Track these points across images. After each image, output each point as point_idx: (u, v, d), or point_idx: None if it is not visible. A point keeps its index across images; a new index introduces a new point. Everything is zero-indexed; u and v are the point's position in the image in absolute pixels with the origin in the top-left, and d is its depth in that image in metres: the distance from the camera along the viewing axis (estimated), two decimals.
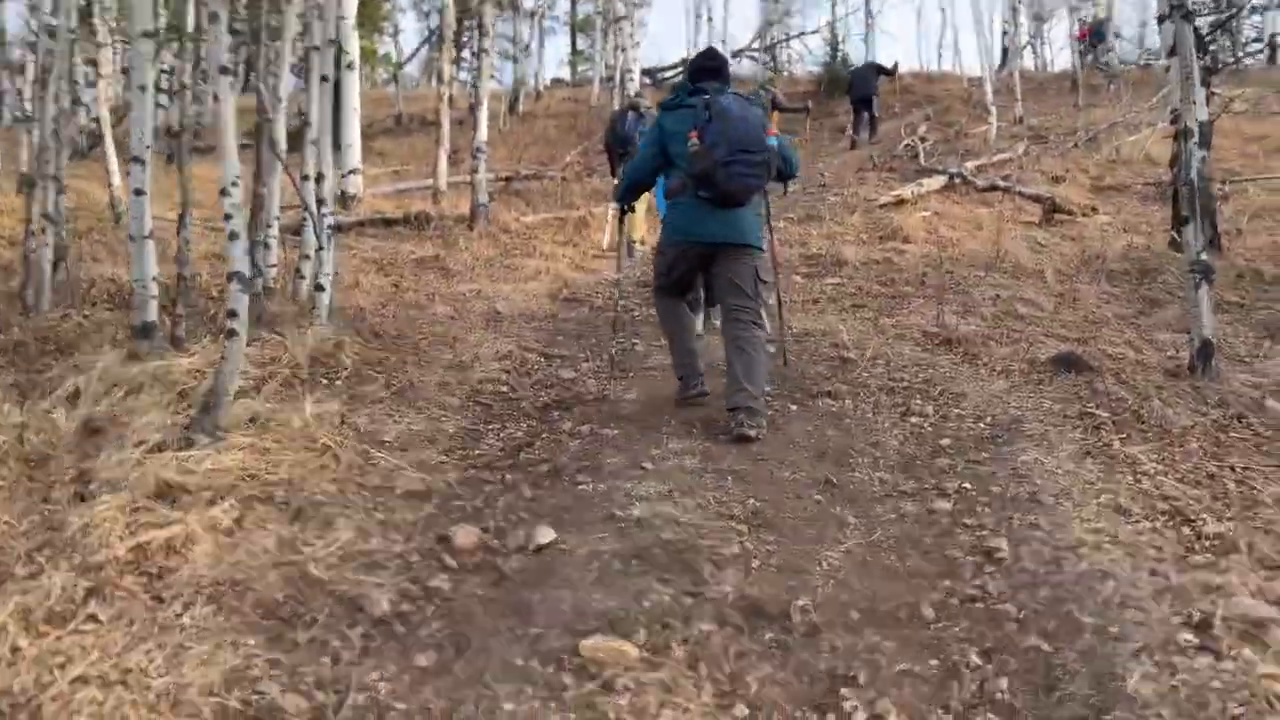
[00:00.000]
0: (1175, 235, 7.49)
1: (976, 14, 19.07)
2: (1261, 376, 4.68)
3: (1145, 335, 5.73)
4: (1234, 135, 13.10)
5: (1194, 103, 4.60)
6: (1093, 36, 22.06)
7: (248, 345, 5.10)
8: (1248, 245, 7.72)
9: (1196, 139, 4.58)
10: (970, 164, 12.37)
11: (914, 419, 4.37)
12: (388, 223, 10.49)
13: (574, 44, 39.42)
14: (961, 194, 11.22)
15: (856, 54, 29.60)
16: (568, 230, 10.44)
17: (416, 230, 10.39)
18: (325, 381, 4.91)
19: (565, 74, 37.17)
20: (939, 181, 11.39)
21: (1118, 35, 22.61)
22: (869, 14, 30.91)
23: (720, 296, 4.58)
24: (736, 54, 26.97)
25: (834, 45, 26.51)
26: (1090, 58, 21.80)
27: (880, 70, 16.94)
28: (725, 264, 4.38)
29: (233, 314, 3.77)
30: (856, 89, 16.57)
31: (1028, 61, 26.77)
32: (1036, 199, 9.85)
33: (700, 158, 4.16)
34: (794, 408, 4.58)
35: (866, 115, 16.33)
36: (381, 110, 25.34)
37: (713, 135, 4.14)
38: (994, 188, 10.76)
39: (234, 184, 3.82)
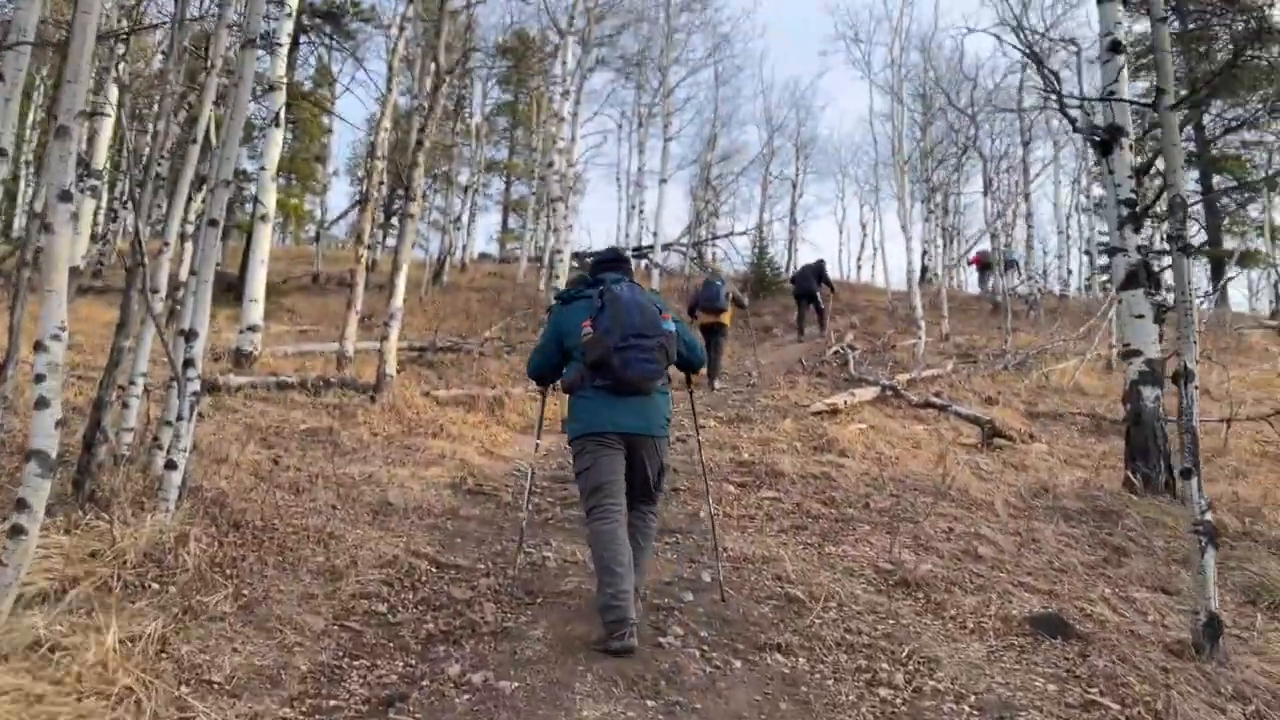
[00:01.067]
0: (1130, 475, 7.06)
1: (906, 232, 19.62)
2: (1274, 663, 4.03)
3: (1120, 591, 5.09)
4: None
5: (1193, 341, 4.12)
6: (981, 266, 23.10)
7: (65, 533, 4.11)
8: (1210, 492, 7.29)
9: (1195, 382, 4.07)
10: (901, 377, 12.11)
11: (883, 691, 3.56)
12: (282, 386, 9.54)
13: (505, 221, 39.94)
14: (894, 407, 10.84)
15: (781, 260, 30.59)
16: (480, 410, 9.64)
17: (313, 396, 9.47)
18: (155, 587, 3.91)
19: (494, 249, 37.41)
20: (871, 392, 11.03)
21: (1011, 264, 23.63)
22: (793, 222, 32.14)
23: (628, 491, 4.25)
24: (666, 247, 27.36)
25: (761, 248, 27.15)
26: (989, 285, 22.84)
27: (820, 275, 17.86)
28: (634, 456, 4.19)
29: (22, 505, 2.83)
30: (800, 285, 17.72)
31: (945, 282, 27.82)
32: (975, 421, 9.47)
33: (593, 345, 4.08)
34: (738, 664, 3.74)
35: (812, 308, 17.41)
36: (300, 267, 24.73)
37: (605, 322, 4.10)
38: (929, 404, 10.41)
39: (55, 336, 2.96)
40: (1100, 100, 7.57)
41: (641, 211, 27.87)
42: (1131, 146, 7.63)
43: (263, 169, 10.78)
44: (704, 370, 10.76)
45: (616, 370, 4.07)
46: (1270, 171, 23.58)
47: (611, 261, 4.56)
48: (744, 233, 28.60)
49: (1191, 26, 18.84)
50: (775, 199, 33.02)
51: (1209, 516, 4.02)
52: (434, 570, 4.86)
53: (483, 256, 32.46)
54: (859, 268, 34.51)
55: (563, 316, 4.35)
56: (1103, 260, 33.49)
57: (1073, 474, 8.20)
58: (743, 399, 11.04)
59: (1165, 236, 4.31)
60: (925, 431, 9.59)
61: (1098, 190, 32.58)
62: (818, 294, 17.30)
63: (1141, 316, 7.31)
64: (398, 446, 7.86)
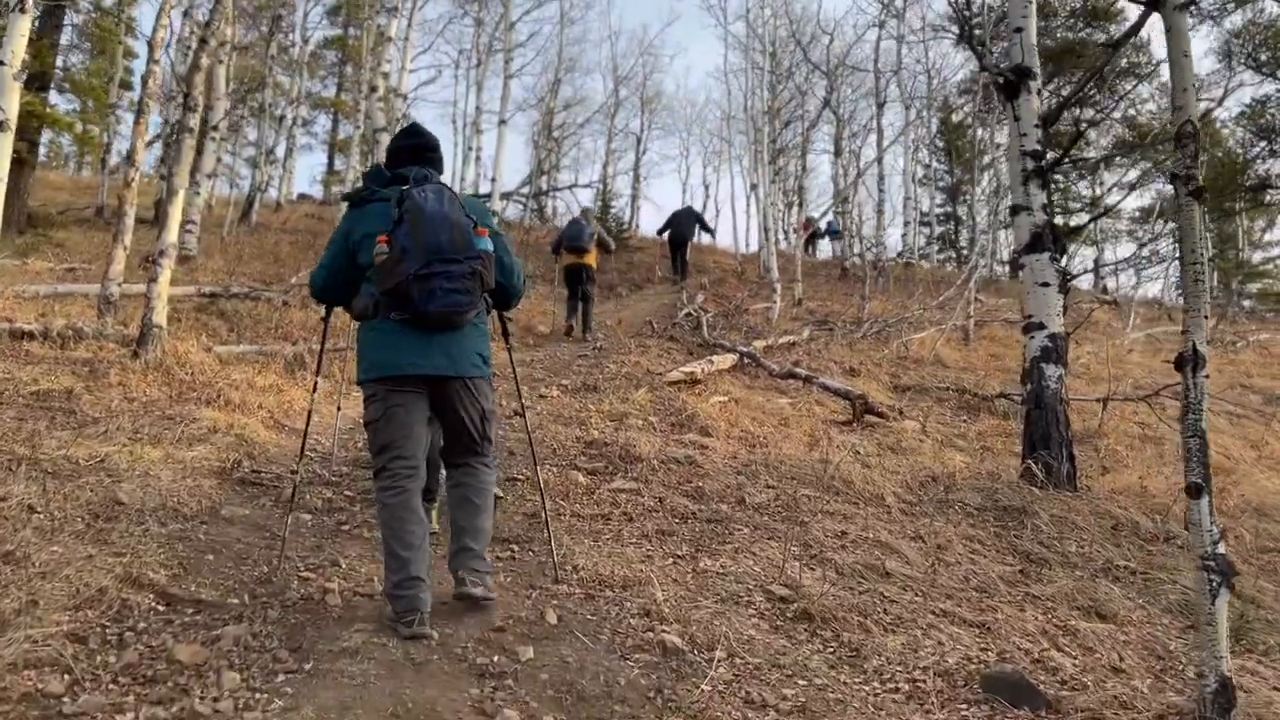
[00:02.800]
0: (1032, 465, 6.22)
1: (756, 192, 18.81)
2: None
3: (1058, 620, 4.15)
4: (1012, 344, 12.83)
5: (1203, 316, 3.11)
6: (810, 234, 22.98)
7: None
8: (1111, 484, 6.58)
9: (1206, 370, 3.07)
10: (759, 343, 11.14)
11: None
12: (17, 335, 7.57)
13: (330, 162, 37.01)
14: (753, 377, 9.85)
15: (625, 216, 29.39)
16: (275, 370, 7.95)
17: (59, 350, 7.55)
18: None
19: (318, 192, 34.55)
20: (729, 360, 9.99)
21: (835, 233, 23.57)
22: (636, 179, 30.97)
23: (443, 447, 3.68)
24: (505, 196, 25.61)
25: (604, 204, 25.88)
26: (810, 250, 22.89)
27: (700, 221, 18.11)
28: (445, 403, 3.48)
29: None
30: (676, 230, 17.50)
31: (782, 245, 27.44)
32: (845, 396, 8.56)
33: (388, 270, 3.27)
34: None
35: (680, 257, 17.46)
36: (86, 198, 21.70)
37: (403, 239, 3.27)
38: (792, 375, 9.45)
39: None
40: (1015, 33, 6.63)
41: (479, 157, 26.00)
42: (1039, 91, 6.75)
43: (1, 64, 8.54)
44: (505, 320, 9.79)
45: (417, 302, 3.28)
46: (1104, 151, 24.15)
47: (416, 149, 3.61)
48: (586, 185, 27.26)
49: None
50: (619, 153, 31.72)
51: (1222, 548, 3.03)
52: (160, 610, 3.36)
53: (302, 197, 29.75)
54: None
55: (355, 223, 3.49)
56: (936, 231, 34.11)
57: (955, 458, 7.39)
58: (589, 364, 9.77)
59: (1169, 175, 3.25)
60: (791, 406, 8.61)
61: (934, 163, 33.01)
62: (689, 243, 17.42)
63: (1046, 285, 6.47)
64: (157, 417, 6.15)
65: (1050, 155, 6.69)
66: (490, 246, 3.46)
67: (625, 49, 57.48)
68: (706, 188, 42.19)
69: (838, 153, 22.00)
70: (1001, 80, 6.66)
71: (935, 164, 32.92)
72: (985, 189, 28.73)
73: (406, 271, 3.24)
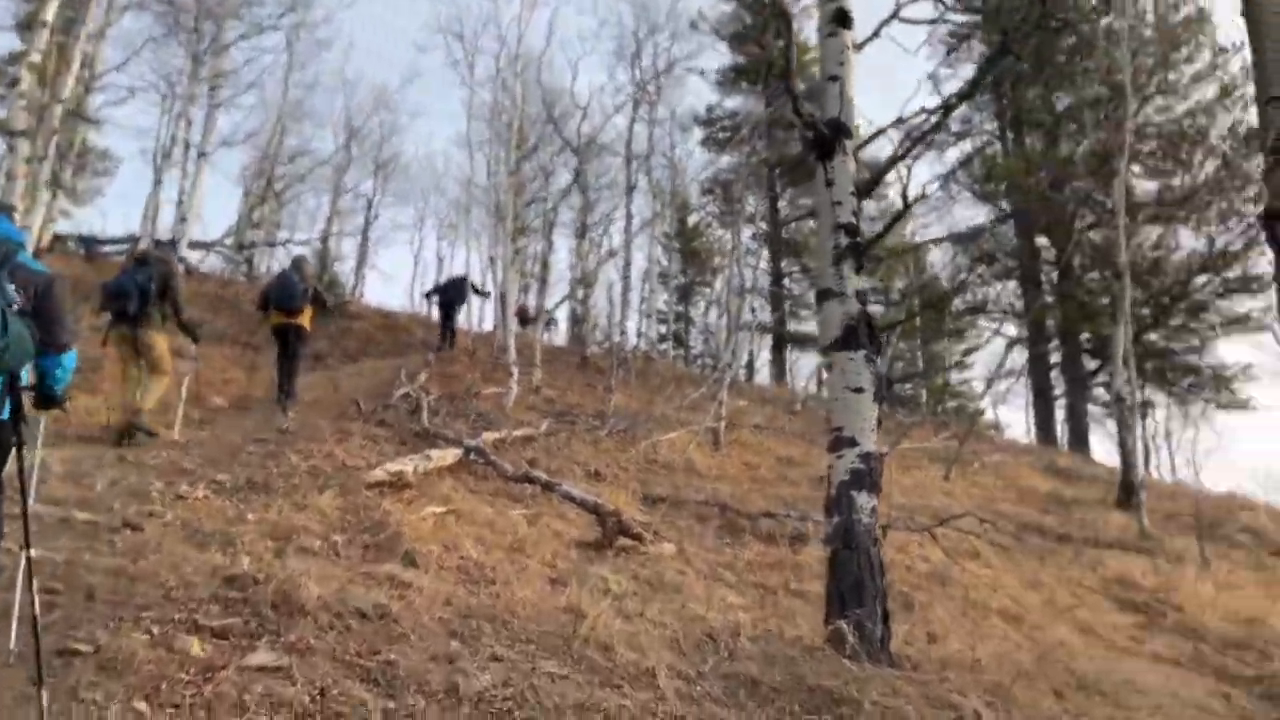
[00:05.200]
0: (843, 627, 4.76)
1: (494, 265, 17.22)
2: None
3: None
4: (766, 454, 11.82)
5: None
6: (521, 318, 21.97)
7: None
8: (937, 652, 5.23)
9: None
10: (489, 436, 9.29)
11: None
12: None
13: None
14: (481, 478, 7.96)
15: (348, 281, 26.73)
16: None
17: None
18: None
19: None
20: (452, 455, 8.05)
21: (550, 321, 22.86)
22: (364, 242, 28.34)
23: None
24: (208, 246, 22.21)
25: (324, 263, 23.25)
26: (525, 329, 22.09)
27: (473, 286, 17.58)
28: None
29: None
30: (447, 294, 17.03)
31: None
32: (595, 511, 6.87)
33: None
34: None
35: (449, 325, 16.99)
36: None
37: None
38: (529, 479, 7.66)
39: None
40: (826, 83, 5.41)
41: (182, 201, 22.32)
42: (855, 154, 5.57)
43: None
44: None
45: None
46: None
47: None
48: (304, 241, 24.34)
49: None
50: (348, 213, 28.97)
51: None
52: None
53: None
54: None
55: None
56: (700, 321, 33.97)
57: (731, 600, 5.88)
58: (265, 452, 7.46)
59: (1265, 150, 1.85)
60: (527, 520, 6.80)
61: (667, 261, 33.03)
62: (459, 307, 17.03)
63: (859, 390, 5.15)
64: None
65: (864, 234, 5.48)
66: None
67: (361, 102, 53.80)
68: (440, 260, 39.84)
69: (581, 235, 20.85)
70: (813, 135, 5.41)
71: (668, 262, 32.86)
72: (719, 291, 28.90)
73: None
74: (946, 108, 5.60)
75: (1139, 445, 13.46)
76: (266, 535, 5.21)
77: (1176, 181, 20.39)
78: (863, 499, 5.03)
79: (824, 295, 5.39)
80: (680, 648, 4.70)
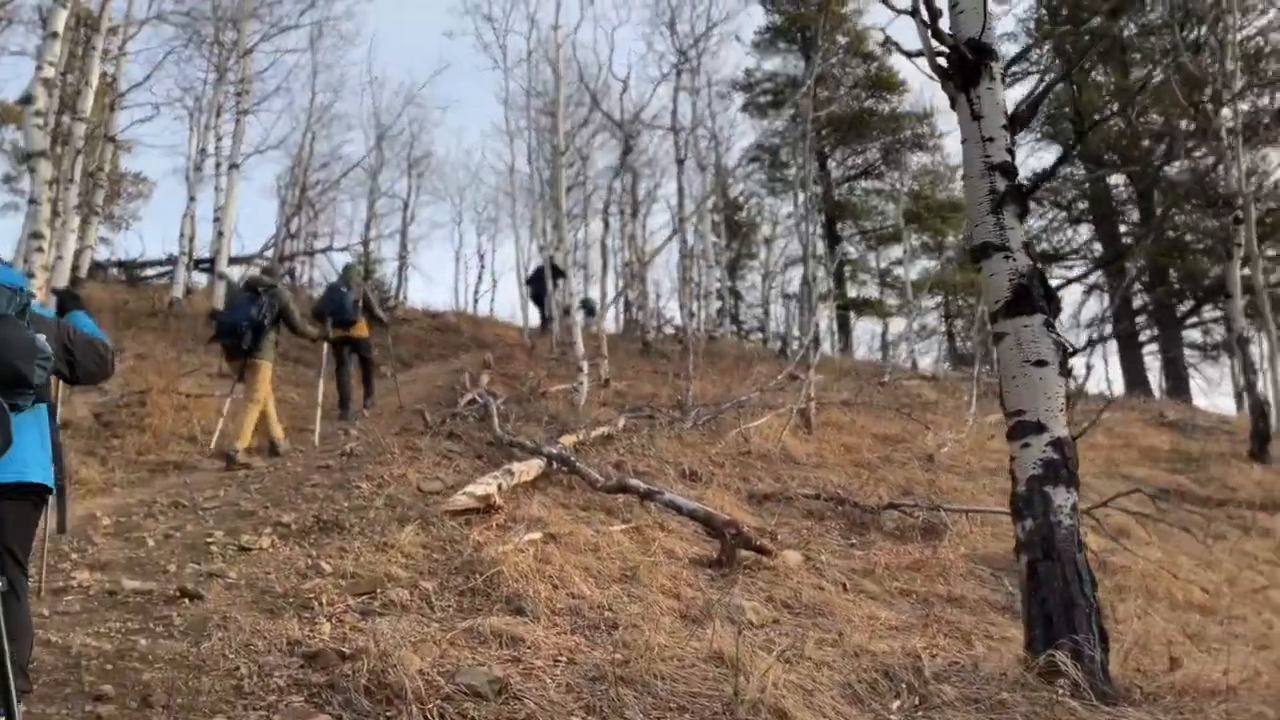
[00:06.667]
0: (1054, 655, 3.85)
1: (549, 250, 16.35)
2: None
3: None
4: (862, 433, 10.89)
5: None
6: (586, 306, 21.07)
7: None
8: (1172, 680, 4.28)
9: None
10: (568, 439, 8.48)
11: None
12: None
13: None
14: (568, 489, 7.15)
15: (390, 286, 26.08)
16: None
17: None
18: None
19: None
20: (534, 467, 7.24)
21: (590, 310, 21.76)
22: (404, 244, 27.62)
23: None
24: (248, 259, 21.66)
25: (367, 268, 22.61)
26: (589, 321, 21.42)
27: (556, 270, 17.25)
28: None
29: None
30: (535, 285, 18.03)
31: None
32: (709, 523, 6.02)
33: None
34: None
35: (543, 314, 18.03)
36: None
37: None
38: (625, 488, 6.81)
39: None
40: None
41: (219, 219, 21.66)
42: (1003, 78, 4.62)
43: None
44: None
45: None
46: (894, 222, 23.59)
47: None
48: (344, 248, 23.73)
49: None
50: (384, 216, 28.24)
51: None
52: None
53: None
54: (477, 300, 30.48)
55: None
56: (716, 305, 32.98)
57: (887, 618, 5.01)
58: (332, 482, 6.71)
59: None
60: (630, 539, 5.98)
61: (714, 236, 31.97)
62: (548, 295, 17.37)
63: (1042, 364, 4.22)
64: None
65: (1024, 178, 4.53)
66: None
67: (389, 102, 52.08)
68: (481, 257, 39.20)
69: (634, 214, 19.96)
70: (952, 60, 4.47)
71: (714, 237, 31.82)
72: (773, 261, 27.83)
73: None
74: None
75: (1271, 390, 12.32)
76: (346, 591, 4.43)
77: (1264, 101, 18.92)
78: (1060, 496, 4.11)
79: (982, 251, 4.45)
80: (856, 695, 3.84)
